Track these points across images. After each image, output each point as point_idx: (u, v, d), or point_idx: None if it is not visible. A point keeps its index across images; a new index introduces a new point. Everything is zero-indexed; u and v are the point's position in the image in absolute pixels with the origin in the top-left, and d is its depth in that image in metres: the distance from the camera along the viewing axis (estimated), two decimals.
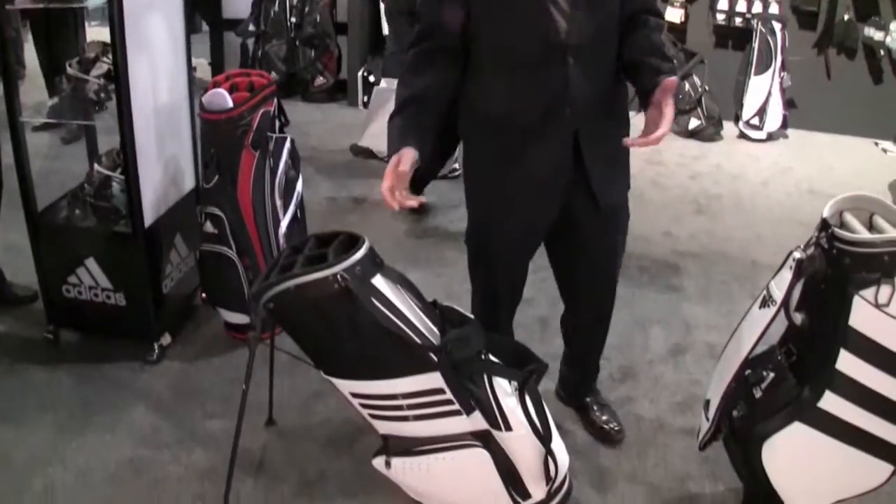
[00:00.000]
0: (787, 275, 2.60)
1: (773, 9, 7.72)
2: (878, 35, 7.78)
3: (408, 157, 2.57)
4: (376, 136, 5.65)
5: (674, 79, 2.53)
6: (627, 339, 4.09)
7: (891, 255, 2.44)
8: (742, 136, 7.71)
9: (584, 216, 2.94)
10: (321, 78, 8.07)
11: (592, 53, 2.70)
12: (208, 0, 8.15)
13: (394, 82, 3.23)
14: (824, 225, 2.60)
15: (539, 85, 2.70)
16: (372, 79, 7.74)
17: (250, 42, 8.24)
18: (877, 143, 8.00)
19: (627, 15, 2.75)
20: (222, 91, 3.86)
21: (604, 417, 3.44)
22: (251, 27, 8.16)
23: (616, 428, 3.42)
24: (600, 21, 2.70)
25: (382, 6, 7.75)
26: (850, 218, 2.67)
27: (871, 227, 2.68)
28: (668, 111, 2.50)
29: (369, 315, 2.42)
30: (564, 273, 3.21)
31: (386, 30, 7.78)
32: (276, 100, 4.03)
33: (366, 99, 7.69)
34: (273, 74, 7.98)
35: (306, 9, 8.07)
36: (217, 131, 3.85)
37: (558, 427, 2.87)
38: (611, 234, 3.09)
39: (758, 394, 2.78)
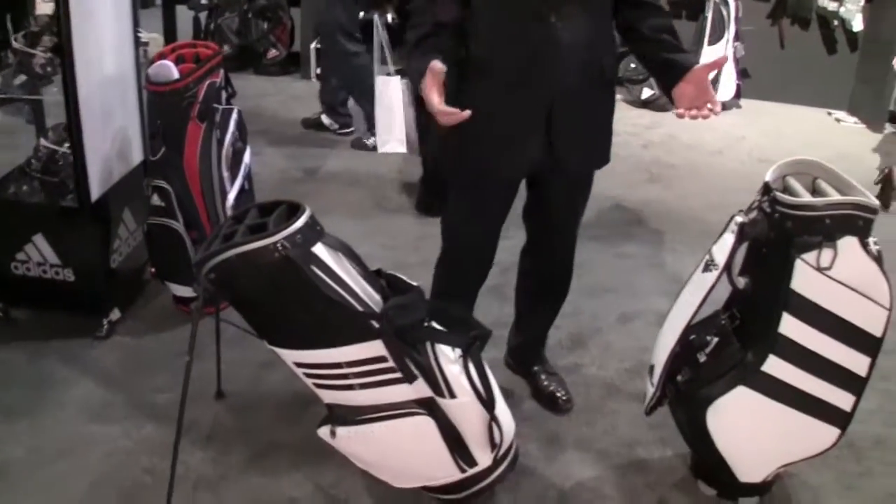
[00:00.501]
0: (729, 239, 2.62)
1: None
2: (832, 5, 7.82)
3: (437, 66, 2.61)
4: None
5: (725, 57, 2.62)
6: (577, 306, 4.07)
7: (832, 219, 2.47)
8: None
9: (549, 175, 2.99)
10: (274, 50, 7.99)
11: (578, 17, 2.70)
12: None
13: None
14: (766, 189, 2.62)
15: (520, 40, 2.72)
16: None
17: (203, 15, 8.15)
18: (830, 113, 8.06)
19: None
20: (168, 62, 3.82)
21: (551, 386, 3.45)
22: (203, 0, 8.07)
23: (564, 397, 3.43)
24: None
25: None
26: (793, 182, 2.69)
27: (814, 191, 2.70)
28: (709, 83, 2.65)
29: (310, 283, 2.40)
30: (532, 221, 3.23)
31: None
32: (222, 71, 3.97)
33: (318, 71, 7.60)
34: (225, 47, 7.91)
35: None
36: (163, 103, 3.82)
37: (507, 395, 2.88)
38: (572, 198, 3.13)
39: (702, 358, 2.80)
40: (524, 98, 2.78)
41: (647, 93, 7.53)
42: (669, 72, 2.74)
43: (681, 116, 2.68)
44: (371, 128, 5.97)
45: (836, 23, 7.94)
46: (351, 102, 6.36)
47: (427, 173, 5.06)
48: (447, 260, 3.22)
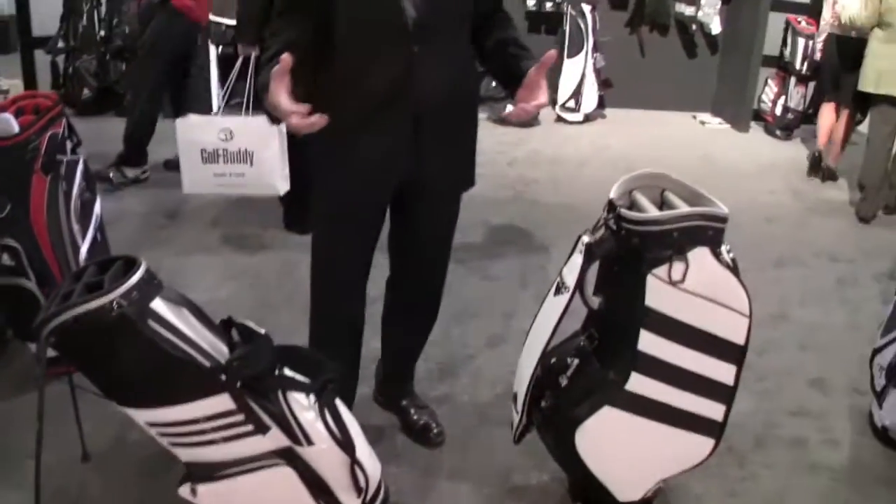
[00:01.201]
0: (577, 259, 2.58)
1: None
2: (689, 10, 8.02)
3: (285, 57, 2.38)
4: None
5: (553, 51, 2.62)
6: (445, 333, 4.02)
7: (680, 231, 2.45)
8: (559, 119, 7.84)
9: (415, 199, 2.92)
10: None
11: (440, 42, 2.68)
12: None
13: None
14: (611, 206, 2.58)
15: (382, 67, 2.67)
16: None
17: (61, 59, 7.95)
18: (695, 116, 8.25)
19: (481, 13, 2.79)
20: (7, 116, 3.67)
21: (422, 420, 3.37)
22: (60, 44, 7.87)
23: (436, 430, 3.35)
24: (451, 11, 2.70)
25: None
26: (639, 196, 2.67)
27: (662, 203, 2.68)
28: (544, 83, 2.63)
29: (149, 340, 2.30)
30: (396, 249, 3.15)
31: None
32: (64, 120, 3.86)
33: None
34: (85, 91, 7.74)
35: (115, 21, 7.81)
36: (4, 158, 3.66)
37: (378, 433, 2.89)
38: (439, 223, 3.07)
39: (564, 381, 2.76)
40: (387, 120, 2.73)
41: (510, 109, 7.47)
42: (510, 80, 2.73)
43: (509, 117, 2.80)
44: (123, 163, 6.03)
45: (694, 27, 8.13)
46: None
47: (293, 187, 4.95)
48: (319, 305, 3.10)
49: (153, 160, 6.38)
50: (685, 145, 7.27)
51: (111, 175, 5.95)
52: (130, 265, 2.43)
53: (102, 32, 7.80)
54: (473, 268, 4.81)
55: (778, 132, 8.08)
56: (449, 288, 3.27)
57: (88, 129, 6.74)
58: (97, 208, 3.97)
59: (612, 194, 2.63)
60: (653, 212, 2.56)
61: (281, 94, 2.40)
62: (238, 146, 4.94)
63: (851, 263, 5.30)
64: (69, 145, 3.88)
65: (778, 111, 8.07)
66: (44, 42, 7.91)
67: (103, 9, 7.81)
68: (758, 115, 8.27)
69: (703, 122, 8.20)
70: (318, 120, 2.40)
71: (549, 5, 7.93)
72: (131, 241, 5.03)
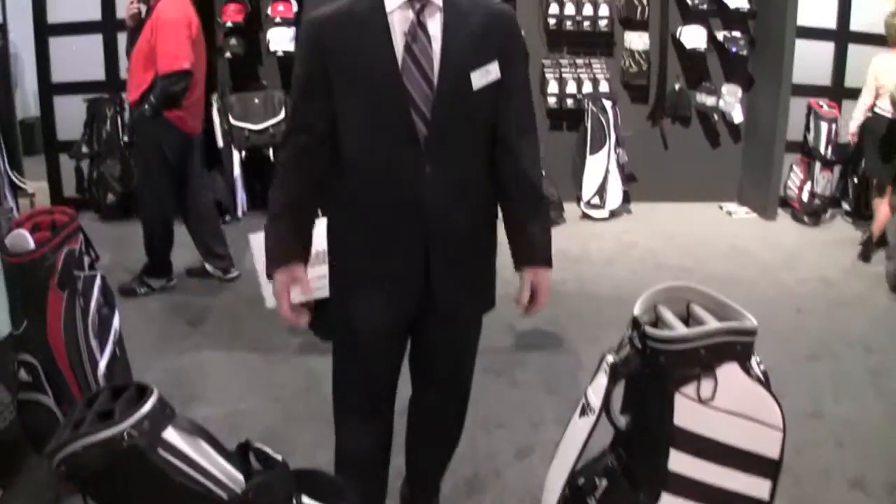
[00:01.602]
0: (602, 380, 2.51)
1: (603, 87, 7.83)
2: (710, 100, 8.00)
3: (299, 274, 2.71)
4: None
5: (547, 279, 2.81)
6: (472, 443, 3.91)
7: (708, 348, 2.38)
8: (585, 216, 7.76)
9: (432, 323, 2.83)
10: None
11: (454, 163, 2.63)
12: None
13: None
14: (635, 323, 2.51)
15: (394, 189, 2.63)
16: None
17: (85, 164, 8.01)
18: (721, 207, 8.18)
19: (501, 137, 2.72)
20: (23, 232, 3.68)
21: None
22: (84, 149, 7.93)
23: None
24: (465, 130, 2.64)
25: (216, 118, 7.64)
26: (664, 311, 2.59)
27: (689, 316, 2.60)
28: (542, 297, 2.83)
29: (161, 471, 2.24)
30: (416, 371, 3.06)
31: (220, 141, 7.67)
32: (81, 236, 3.85)
33: None
34: (109, 195, 7.77)
35: None
36: (21, 274, 3.67)
37: None
38: (458, 345, 2.98)
39: (592, 503, 2.66)
40: (397, 244, 2.68)
41: None
42: (512, 251, 2.83)
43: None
44: (147, 274, 6.01)
45: (716, 116, 8.11)
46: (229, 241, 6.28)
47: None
48: (343, 426, 3.02)
49: (177, 265, 6.37)
50: (712, 237, 7.20)
51: (134, 287, 5.94)
52: (143, 392, 2.38)
53: (126, 138, 7.81)
54: (500, 373, 4.71)
55: (805, 218, 7.97)
56: (475, 395, 3.18)
57: (113, 234, 6.83)
58: (115, 323, 3.94)
59: (637, 310, 2.56)
60: (679, 328, 2.48)
61: (284, 303, 2.72)
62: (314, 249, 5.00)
63: (886, 352, 5.14)
64: (86, 261, 3.88)
65: (804, 197, 7.97)
66: (69, 146, 7.98)
67: (126, 114, 7.79)
68: (784, 202, 8.19)
69: (729, 212, 8.13)
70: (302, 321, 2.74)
71: (570, 102, 7.94)
72: (153, 349, 4.98)
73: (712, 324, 2.47)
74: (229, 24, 7.60)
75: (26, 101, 9.56)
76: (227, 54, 7.67)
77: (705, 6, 7.84)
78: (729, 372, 2.40)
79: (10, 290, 3.80)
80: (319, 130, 2.66)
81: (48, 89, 8.07)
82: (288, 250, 2.70)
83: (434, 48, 2.56)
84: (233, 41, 7.63)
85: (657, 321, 2.56)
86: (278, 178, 2.77)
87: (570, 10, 7.80)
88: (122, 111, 7.88)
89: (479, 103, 2.63)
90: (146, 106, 5.56)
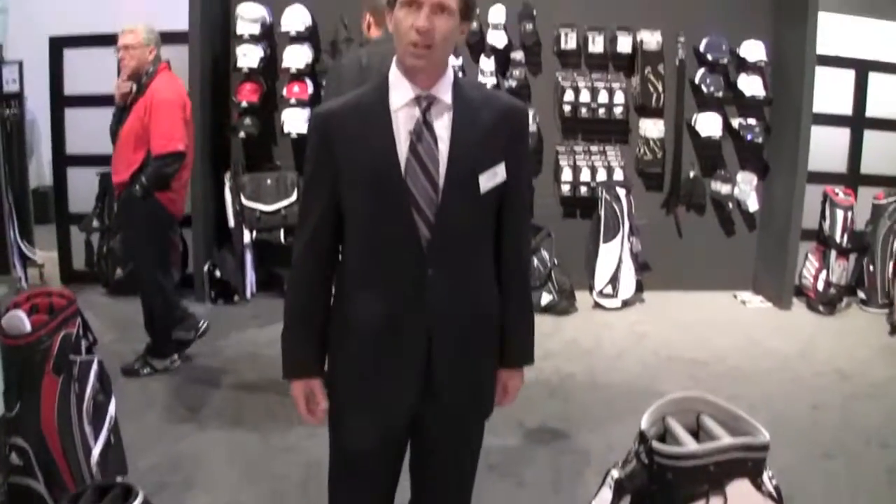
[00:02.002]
0: (606, 495, 2.41)
1: (618, 175, 7.79)
2: (724, 188, 7.96)
3: (317, 387, 2.69)
4: None
5: (519, 380, 2.85)
6: None
7: (718, 465, 2.29)
8: (597, 305, 7.65)
9: (433, 428, 2.75)
10: None
11: (457, 263, 2.57)
12: None
13: None
14: (642, 438, 2.41)
15: (396, 289, 2.57)
16: (218, 273, 7.51)
17: (95, 237, 7.96)
18: (736, 296, 8.10)
19: (505, 232, 2.69)
20: (20, 313, 3.68)
21: None
22: (95, 222, 7.91)
23: None
24: (468, 232, 2.59)
25: (228, 197, 7.61)
26: (673, 424, 2.50)
27: (699, 428, 2.50)
28: (510, 397, 2.86)
29: None
30: (415, 476, 2.94)
31: (232, 221, 7.65)
32: (79, 319, 3.81)
33: (213, 294, 7.50)
34: (118, 270, 7.71)
35: None
36: (17, 356, 3.64)
37: None
38: (460, 451, 2.87)
39: None
40: (398, 345, 2.60)
41: (546, 298, 7.43)
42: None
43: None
44: (151, 354, 5.90)
45: (731, 205, 8.04)
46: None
47: None
48: None
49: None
50: (726, 328, 7.10)
51: (137, 367, 5.83)
52: (128, 493, 2.30)
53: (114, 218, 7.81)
54: (505, 473, 4.56)
55: (821, 308, 7.84)
56: (480, 496, 3.07)
57: (119, 310, 6.79)
58: (112, 410, 3.89)
59: (644, 423, 2.46)
60: (688, 443, 2.38)
61: (302, 406, 2.71)
62: None
63: None
64: (84, 344, 3.85)
65: (820, 286, 7.86)
66: (80, 218, 7.97)
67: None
68: (800, 291, 8.09)
69: (744, 302, 8.03)
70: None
71: (583, 190, 7.87)
72: (152, 432, 4.90)
73: (724, 439, 2.37)
74: (244, 103, 7.59)
75: (42, 170, 9.58)
76: (241, 134, 7.66)
77: (721, 94, 7.82)
78: (739, 489, 2.30)
79: (5, 372, 3.75)
80: (330, 228, 2.62)
81: (62, 160, 8.07)
82: (303, 364, 2.68)
83: (440, 149, 2.50)
84: (247, 121, 7.62)
85: (665, 434, 2.46)
86: (291, 282, 2.74)
87: (585, 97, 7.77)
88: None
89: (484, 205, 2.58)
90: (137, 186, 5.53)
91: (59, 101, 7.95)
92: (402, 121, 2.51)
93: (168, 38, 7.28)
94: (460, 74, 7.39)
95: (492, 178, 2.55)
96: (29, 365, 3.61)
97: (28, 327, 3.61)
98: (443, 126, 2.51)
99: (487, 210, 2.60)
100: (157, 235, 5.82)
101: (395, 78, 2.53)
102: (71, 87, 7.86)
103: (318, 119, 2.63)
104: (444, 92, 2.53)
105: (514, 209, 2.67)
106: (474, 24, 7.53)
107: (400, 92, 2.52)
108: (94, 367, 3.79)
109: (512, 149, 2.61)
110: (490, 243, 2.68)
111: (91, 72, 7.49)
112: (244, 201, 7.54)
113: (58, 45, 7.85)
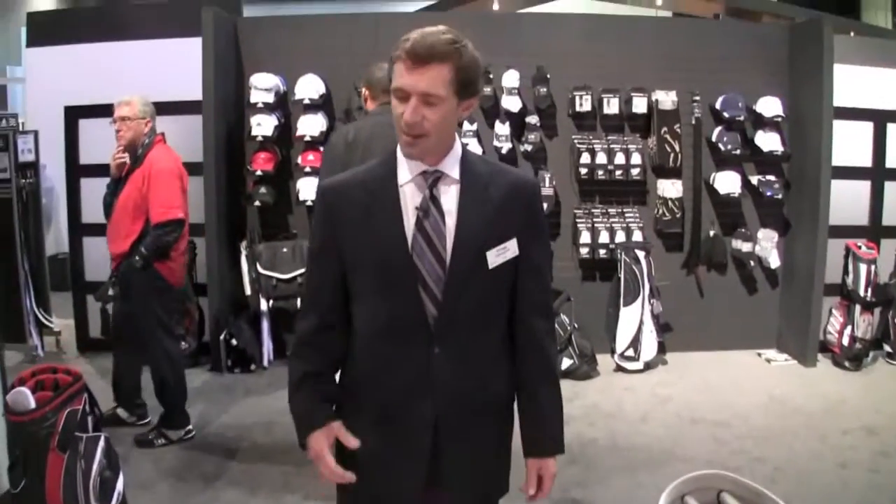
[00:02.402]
0: None
1: (637, 236, 7.71)
2: (745, 246, 7.88)
3: (336, 427, 2.55)
4: None
5: (553, 468, 2.67)
6: None
7: None
8: (619, 368, 7.52)
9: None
10: (183, 343, 7.70)
11: (466, 341, 2.52)
12: None
13: None
14: None
15: (401, 367, 2.51)
16: (235, 342, 7.44)
17: (111, 307, 7.91)
18: (760, 354, 7.98)
19: (519, 315, 2.62)
20: (25, 390, 3.72)
21: None
22: (110, 292, 7.85)
23: None
24: (479, 310, 2.53)
25: (244, 266, 7.57)
26: None
27: None
28: (546, 487, 2.67)
29: None
30: None
31: (248, 289, 7.61)
32: (85, 396, 3.79)
33: (230, 363, 7.42)
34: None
35: None
36: (21, 432, 3.67)
37: None
38: None
39: None
40: (404, 425, 2.54)
41: (566, 362, 7.28)
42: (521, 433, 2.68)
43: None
44: (165, 425, 5.83)
45: (752, 262, 7.94)
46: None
47: None
48: None
49: (199, 415, 6.22)
50: (751, 387, 6.97)
51: (151, 438, 5.76)
52: None
53: (111, 291, 7.74)
54: None
55: (847, 363, 7.70)
56: None
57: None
58: (119, 486, 3.90)
59: (662, 503, 2.35)
60: None
61: (328, 458, 2.53)
62: None
63: None
64: (91, 421, 3.84)
65: (845, 342, 7.73)
66: (96, 286, 7.90)
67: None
68: (824, 347, 7.95)
69: (768, 360, 7.88)
70: (348, 477, 2.53)
71: (602, 252, 7.77)
72: None
73: None
74: (259, 172, 7.58)
75: (60, 237, 9.60)
76: (257, 202, 7.63)
77: (738, 151, 7.76)
78: None
79: (10, 448, 3.76)
80: (334, 303, 2.59)
81: (78, 229, 8.08)
82: (314, 415, 2.58)
83: (448, 225, 2.47)
84: (262, 189, 7.60)
85: None
86: (295, 351, 2.67)
87: (601, 158, 7.71)
88: None
89: (494, 282, 2.52)
90: (136, 257, 5.57)
91: (75, 171, 8.01)
92: (410, 196, 2.49)
93: (182, 107, 7.39)
94: (473, 146, 7.46)
95: (502, 254, 2.50)
96: (34, 442, 3.61)
97: (32, 404, 3.65)
98: (450, 201, 2.49)
99: (499, 286, 2.55)
100: (159, 304, 5.79)
101: (403, 154, 2.51)
102: (87, 157, 7.91)
103: (323, 194, 2.61)
104: (452, 167, 2.51)
105: (530, 285, 2.60)
106: (487, 90, 7.54)
107: (407, 167, 2.50)
108: (101, 443, 3.79)
109: (524, 224, 2.56)
110: (502, 320, 2.61)
111: (107, 141, 7.48)
112: (260, 270, 7.50)
113: (73, 115, 7.94)
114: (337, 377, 2.68)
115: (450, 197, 2.49)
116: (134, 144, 5.71)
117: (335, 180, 2.62)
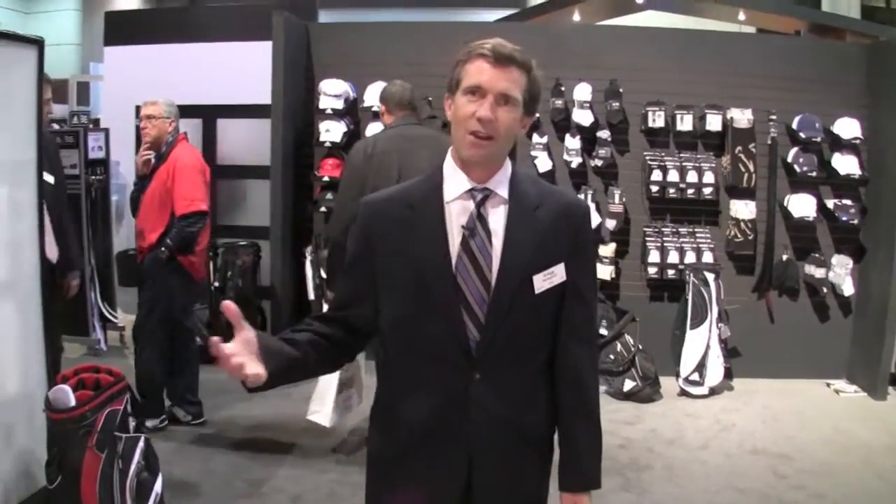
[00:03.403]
0: None
1: (707, 257, 7.56)
2: (819, 272, 7.67)
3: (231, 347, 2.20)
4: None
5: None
6: None
7: None
8: (683, 393, 7.34)
9: None
10: (198, 338, 7.74)
11: (507, 371, 2.41)
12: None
13: None
14: None
15: (439, 394, 2.40)
16: None
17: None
18: (829, 385, 7.76)
19: (562, 343, 2.48)
20: (66, 388, 3.77)
21: None
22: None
23: None
24: (522, 336, 2.41)
25: (308, 271, 7.57)
26: None
27: None
28: None
29: None
30: None
31: (312, 294, 7.60)
32: (127, 397, 3.81)
33: None
34: (197, 339, 7.68)
35: (228, 273, 7.87)
36: (60, 430, 3.69)
37: None
38: None
39: None
40: (436, 456, 2.43)
41: (628, 384, 7.13)
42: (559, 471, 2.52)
43: None
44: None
45: (825, 289, 7.71)
46: None
47: None
48: None
49: (254, 417, 6.21)
50: (816, 419, 6.74)
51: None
52: None
53: (216, 283, 7.82)
54: None
55: None
56: None
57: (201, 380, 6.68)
58: (158, 487, 3.89)
59: None
60: None
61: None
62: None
63: None
64: (131, 422, 3.86)
65: None
66: None
67: (219, 260, 7.92)
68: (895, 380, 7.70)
69: (837, 391, 7.63)
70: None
71: (670, 272, 7.62)
72: None
73: None
74: (326, 178, 7.59)
75: (130, 233, 9.66)
76: (322, 208, 7.64)
77: (814, 173, 7.56)
78: None
79: (50, 444, 3.79)
80: (358, 314, 2.48)
81: None
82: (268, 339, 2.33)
83: (494, 245, 2.37)
84: (329, 195, 7.59)
85: None
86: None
87: (673, 176, 7.57)
88: (215, 256, 7.89)
89: (539, 307, 2.41)
90: (162, 248, 5.80)
91: None
92: (455, 214, 2.39)
93: (251, 111, 7.42)
94: (543, 160, 7.37)
95: (549, 279, 2.39)
96: (72, 439, 3.62)
97: (72, 402, 3.67)
98: (498, 221, 2.39)
99: (543, 312, 2.43)
100: (181, 296, 6.03)
101: (450, 169, 2.43)
102: None
103: (365, 209, 2.52)
104: (501, 186, 2.41)
105: (574, 311, 2.47)
106: (559, 102, 7.45)
107: (454, 183, 2.41)
108: (141, 444, 3.79)
109: (573, 249, 2.45)
110: (546, 347, 2.49)
111: None
112: (324, 275, 7.48)
113: None
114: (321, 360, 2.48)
115: (498, 217, 2.39)
116: (158, 142, 5.99)
117: (378, 196, 2.55)
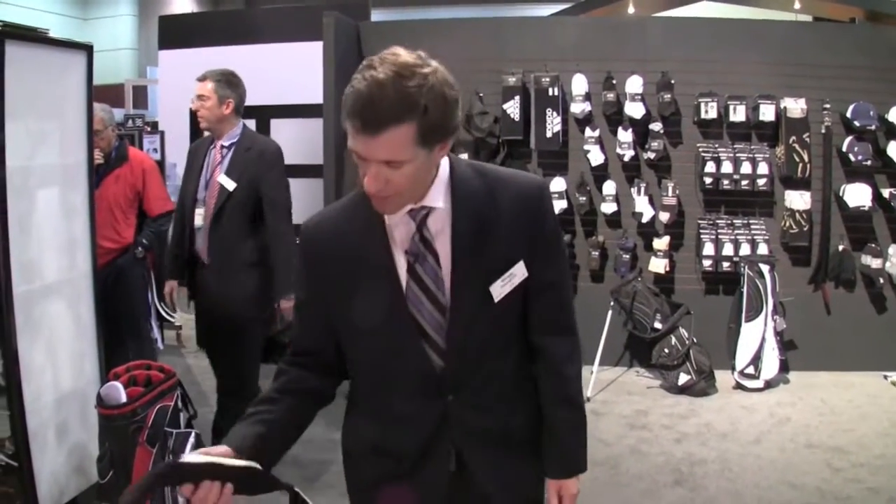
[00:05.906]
0: None
1: (762, 249, 7.47)
2: (875, 262, 7.56)
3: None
4: None
5: (573, 487, 2.46)
6: None
7: None
8: (738, 386, 7.27)
9: None
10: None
11: (481, 384, 2.35)
12: None
13: None
14: None
15: (414, 420, 2.34)
16: None
17: None
18: (886, 377, 7.64)
19: (530, 339, 2.44)
20: (117, 384, 3.85)
21: None
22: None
23: None
24: (490, 346, 2.35)
25: None
26: None
27: None
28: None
29: None
30: None
31: None
32: (177, 394, 3.87)
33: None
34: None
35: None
36: (111, 426, 3.76)
37: None
38: None
39: None
40: (423, 483, 2.37)
41: (683, 378, 7.09)
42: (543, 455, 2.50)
43: None
44: None
45: (881, 280, 7.60)
46: None
47: None
48: None
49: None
50: (873, 412, 6.67)
51: None
52: None
53: None
54: None
55: None
56: None
57: None
58: None
59: None
60: None
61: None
62: None
63: None
64: (183, 417, 3.94)
65: None
66: None
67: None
68: None
69: (894, 383, 7.53)
70: None
71: (725, 265, 7.55)
72: None
73: None
74: None
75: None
76: None
77: (870, 162, 7.43)
78: None
79: (101, 440, 3.88)
80: (320, 359, 2.38)
81: None
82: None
83: (443, 266, 2.25)
84: None
85: None
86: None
87: (727, 168, 7.50)
88: None
89: (503, 313, 2.32)
90: (139, 248, 6.08)
91: None
92: (399, 238, 2.26)
93: (303, 110, 7.45)
94: (595, 153, 7.34)
95: (508, 282, 2.29)
96: (122, 435, 3.70)
97: (124, 398, 3.74)
98: (443, 240, 2.25)
99: (508, 315, 2.35)
100: (153, 295, 6.43)
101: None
102: None
103: (305, 238, 2.39)
104: (439, 199, 2.24)
105: (544, 303, 2.39)
106: (611, 95, 7.42)
107: None
108: (192, 440, 3.80)
109: (532, 239, 2.32)
110: (519, 347, 2.44)
111: None
112: None
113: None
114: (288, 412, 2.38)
115: (442, 233, 2.25)
116: (108, 150, 6.02)
117: (316, 222, 2.39)
